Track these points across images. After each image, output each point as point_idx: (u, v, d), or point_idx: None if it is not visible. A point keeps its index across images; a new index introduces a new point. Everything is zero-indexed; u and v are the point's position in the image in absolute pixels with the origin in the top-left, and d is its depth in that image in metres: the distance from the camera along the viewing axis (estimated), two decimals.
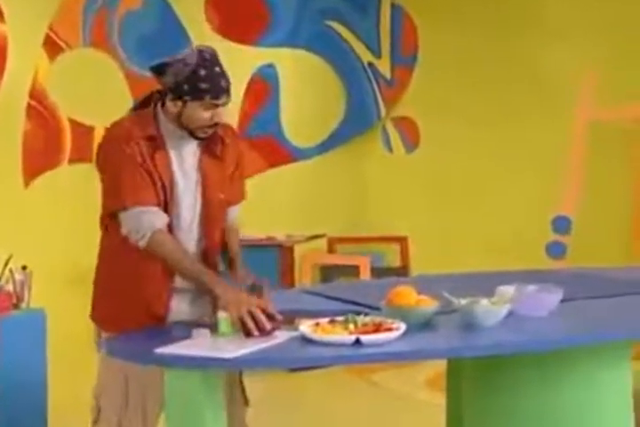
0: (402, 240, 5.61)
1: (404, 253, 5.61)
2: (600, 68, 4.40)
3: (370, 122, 5.73)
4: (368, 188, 5.67)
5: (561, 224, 4.31)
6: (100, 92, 4.51)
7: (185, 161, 2.18)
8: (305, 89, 5.42)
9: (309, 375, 3.86)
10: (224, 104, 2.13)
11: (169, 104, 2.13)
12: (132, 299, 2.17)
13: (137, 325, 2.14)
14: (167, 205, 2.15)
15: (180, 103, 2.11)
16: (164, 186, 2.13)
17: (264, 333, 1.98)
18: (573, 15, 5.05)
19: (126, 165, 2.10)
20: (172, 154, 2.17)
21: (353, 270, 5.08)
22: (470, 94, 5.39)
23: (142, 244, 2.12)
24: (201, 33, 5.00)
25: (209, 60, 2.11)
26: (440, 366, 2.62)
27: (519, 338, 2.05)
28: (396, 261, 5.61)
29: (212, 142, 2.21)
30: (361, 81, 5.64)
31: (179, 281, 2.19)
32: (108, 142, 2.17)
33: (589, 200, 4.50)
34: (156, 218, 2.11)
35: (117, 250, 2.19)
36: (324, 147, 5.57)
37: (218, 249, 2.28)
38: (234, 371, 2.25)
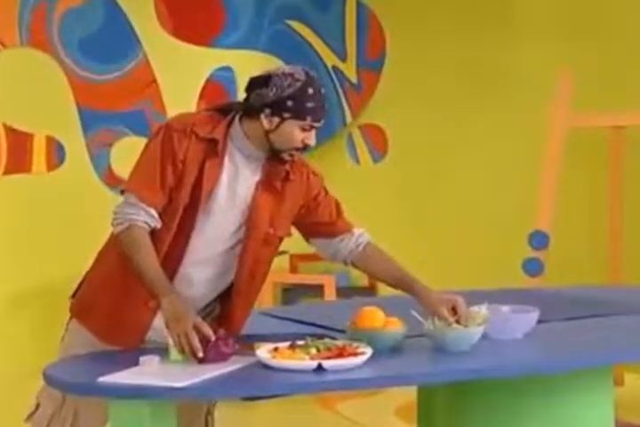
0: None
1: None
2: (576, 71, 4.49)
3: (334, 130, 5.77)
4: None
5: (538, 239, 4.37)
6: (39, 95, 4.48)
7: (238, 181, 2.18)
8: None
9: (267, 405, 3.85)
10: (318, 128, 2.18)
11: (263, 119, 2.14)
12: (117, 302, 2.19)
13: (113, 326, 2.17)
14: (192, 210, 2.13)
15: (277, 120, 2.13)
16: (196, 190, 2.13)
17: (219, 359, 1.98)
18: (546, 14, 5.15)
19: (159, 153, 2.12)
20: (227, 167, 2.17)
21: (317, 290, 5.09)
22: (441, 100, 5.46)
23: (116, 230, 2.13)
24: (150, 32, 5.00)
25: (316, 80, 2.17)
26: (410, 393, 2.64)
27: (493, 363, 2.08)
28: (362, 281, 5.64)
29: (274, 174, 2.21)
30: (325, 85, 5.68)
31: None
32: (164, 127, 2.17)
33: (567, 214, 4.57)
34: (145, 215, 2.12)
35: (115, 254, 2.20)
36: None
37: (245, 286, 2.26)
38: (197, 406, 2.25)
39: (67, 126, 4.71)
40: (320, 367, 1.92)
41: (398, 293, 2.37)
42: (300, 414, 4.12)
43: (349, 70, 5.74)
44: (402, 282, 2.32)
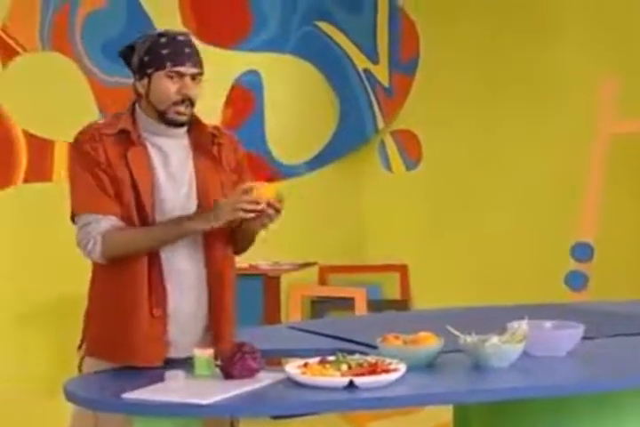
0: (402, 269, 5.63)
1: (405, 284, 5.62)
2: (620, 75, 4.46)
3: (366, 136, 5.77)
4: (364, 210, 5.69)
5: (581, 251, 4.34)
6: (60, 101, 4.53)
7: (170, 161, 2.22)
8: (292, 99, 5.47)
9: (296, 423, 3.85)
10: (193, 76, 2.20)
11: (138, 87, 2.22)
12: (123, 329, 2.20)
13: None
14: (144, 206, 2.18)
15: (145, 81, 2.21)
16: (135, 185, 2.17)
17: (246, 374, 1.99)
18: (587, 17, 5.12)
19: (83, 169, 2.18)
20: (152, 151, 2.22)
21: (347, 304, 5.09)
22: (478, 105, 5.44)
23: (93, 251, 2.16)
24: None
25: (173, 31, 2.24)
26: (446, 412, 2.63)
27: (534, 382, 2.06)
28: (395, 293, 5.63)
29: (203, 140, 2.26)
30: (355, 90, 5.69)
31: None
32: (72, 145, 2.25)
33: (612, 224, 4.53)
34: (103, 223, 2.17)
35: (106, 274, 2.23)
36: (314, 164, 5.61)
37: (221, 258, 2.28)
38: (221, 420, 2.26)
39: None
40: (351, 384, 1.92)
41: (433, 307, 2.36)
42: None
43: (381, 73, 5.74)
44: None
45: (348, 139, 5.70)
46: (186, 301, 2.22)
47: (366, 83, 5.71)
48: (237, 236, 2.31)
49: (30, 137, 4.47)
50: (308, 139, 5.56)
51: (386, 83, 5.75)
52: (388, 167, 5.81)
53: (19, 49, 4.43)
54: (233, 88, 5.25)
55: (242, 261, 4.87)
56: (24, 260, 4.24)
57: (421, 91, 5.67)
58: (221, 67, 5.18)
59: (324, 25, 5.59)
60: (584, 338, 2.26)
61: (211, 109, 5.07)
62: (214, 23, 5.18)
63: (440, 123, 5.58)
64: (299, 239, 5.37)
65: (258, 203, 2.13)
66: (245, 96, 5.29)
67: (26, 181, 4.42)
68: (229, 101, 5.22)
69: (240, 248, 2.37)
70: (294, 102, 5.46)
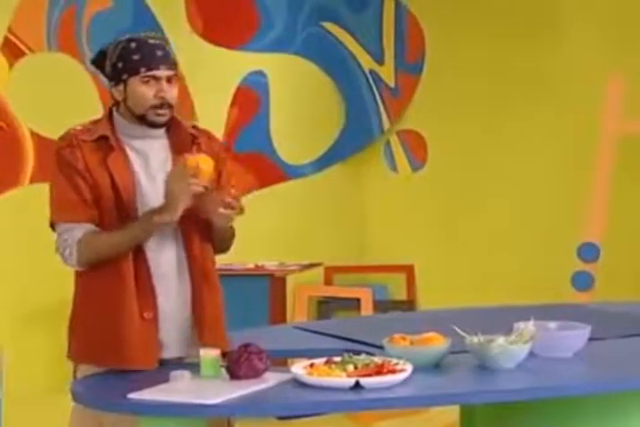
0: (408, 270, 5.63)
1: (411, 285, 5.62)
2: (627, 75, 4.45)
3: (371, 136, 5.77)
4: (370, 210, 5.70)
5: (587, 252, 4.34)
6: (67, 101, 4.54)
7: (150, 162, 2.24)
8: (298, 99, 5.47)
9: (302, 424, 3.85)
10: (168, 78, 2.21)
11: (114, 93, 2.23)
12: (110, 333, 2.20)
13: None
14: (126, 209, 2.19)
15: (121, 87, 2.21)
16: (117, 189, 2.18)
17: (252, 374, 1.99)
18: (593, 16, 5.11)
19: (61, 176, 2.19)
20: (132, 155, 2.23)
21: (353, 304, 5.09)
22: (484, 105, 5.44)
23: (71, 258, 2.18)
24: (181, 35, 5.05)
25: (143, 35, 2.24)
26: (452, 413, 2.63)
27: (540, 383, 2.06)
28: (401, 294, 5.63)
29: (182, 140, 2.27)
30: (361, 90, 5.70)
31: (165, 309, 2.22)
32: (54, 154, 2.26)
33: (619, 224, 4.53)
34: (78, 231, 2.18)
35: (92, 280, 2.23)
36: (319, 164, 5.61)
37: (203, 252, 2.27)
38: (219, 419, 2.26)
39: None
40: (358, 385, 1.92)
41: (439, 307, 2.36)
42: None
43: (387, 74, 5.74)
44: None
45: (354, 139, 5.70)
46: (173, 301, 2.23)
47: (372, 83, 5.71)
48: (214, 236, 2.31)
49: (37, 137, 4.48)
50: (314, 139, 5.56)
51: (391, 83, 5.75)
52: (394, 168, 5.81)
53: (25, 49, 4.44)
54: (239, 88, 5.25)
55: (247, 261, 4.91)
56: (30, 260, 4.25)
57: (427, 91, 5.67)
58: (227, 67, 5.19)
59: (329, 25, 5.59)
60: (590, 339, 2.26)
61: (217, 109, 5.09)
62: (220, 23, 5.19)
63: (446, 123, 5.57)
64: (304, 240, 5.38)
65: (200, 173, 2.11)
66: (251, 96, 5.29)
67: (32, 181, 4.43)
68: (235, 101, 5.23)
69: (219, 249, 2.37)
70: (300, 103, 5.47)
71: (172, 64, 2.23)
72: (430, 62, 5.67)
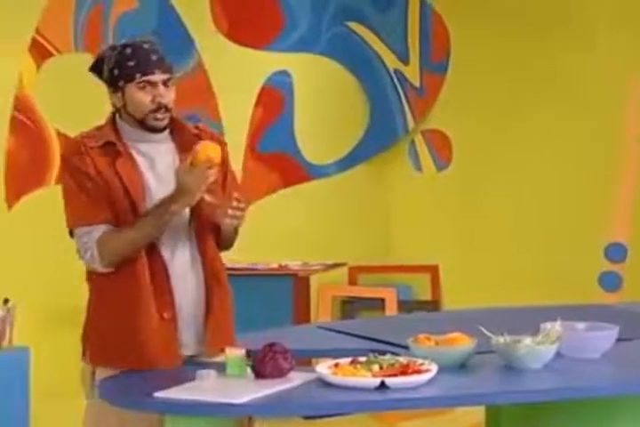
0: (432, 270, 5.61)
1: (435, 285, 5.60)
2: None
3: (396, 136, 5.76)
4: (394, 210, 5.68)
5: (615, 252, 4.31)
6: (93, 102, 4.55)
7: (156, 164, 2.26)
8: (323, 99, 5.47)
9: (327, 424, 3.85)
10: (164, 82, 2.23)
11: (114, 100, 2.25)
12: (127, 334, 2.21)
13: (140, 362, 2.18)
14: (138, 209, 2.21)
15: (119, 94, 2.23)
16: (127, 192, 2.20)
17: (277, 374, 2.00)
18: (617, 15, 5.07)
19: (72, 182, 2.22)
20: (139, 158, 2.26)
21: (377, 304, 5.08)
22: (509, 104, 5.41)
23: (96, 264, 2.19)
24: (206, 35, 5.07)
25: (137, 40, 2.25)
26: (477, 413, 2.61)
27: (567, 384, 2.05)
28: (425, 294, 5.61)
29: (186, 141, 2.29)
30: (386, 90, 5.69)
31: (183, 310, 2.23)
32: (61, 161, 2.30)
33: None
34: (96, 233, 2.20)
35: (106, 283, 2.25)
36: (344, 164, 5.61)
37: (213, 252, 2.30)
38: (241, 417, 2.27)
39: None
40: (383, 385, 1.92)
41: (463, 307, 2.36)
42: None
43: (412, 73, 5.73)
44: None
45: (378, 139, 5.69)
46: (189, 300, 2.24)
47: (397, 83, 5.70)
48: (221, 236, 2.33)
49: (63, 138, 4.51)
50: (338, 139, 5.56)
51: (416, 82, 5.74)
52: (419, 167, 5.79)
53: (52, 50, 4.48)
54: (263, 88, 5.26)
55: (271, 261, 4.92)
56: (55, 260, 4.29)
57: (452, 90, 5.65)
58: (252, 67, 5.20)
59: (354, 25, 5.58)
60: (618, 340, 2.24)
61: (241, 109, 5.10)
62: (245, 23, 5.20)
63: (471, 123, 5.55)
64: (328, 240, 5.37)
65: (210, 161, 2.13)
66: (275, 96, 5.30)
67: (58, 181, 4.46)
68: (259, 101, 5.24)
69: (223, 247, 2.38)
70: (324, 103, 5.47)
71: (168, 68, 2.25)
72: (455, 62, 5.65)
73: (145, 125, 2.23)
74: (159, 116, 2.22)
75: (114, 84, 2.23)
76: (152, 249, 2.21)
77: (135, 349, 2.18)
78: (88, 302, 2.30)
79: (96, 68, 2.28)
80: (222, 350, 2.11)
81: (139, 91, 2.20)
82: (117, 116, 2.28)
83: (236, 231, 2.36)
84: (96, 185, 2.19)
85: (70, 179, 2.22)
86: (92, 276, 2.27)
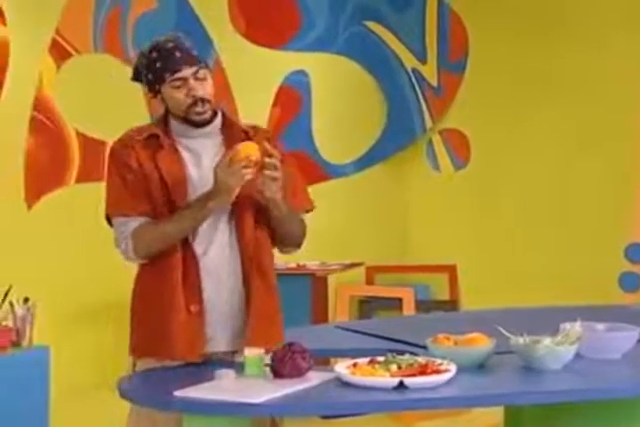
0: (450, 270, 5.60)
1: (453, 285, 5.59)
2: None
3: (414, 135, 5.75)
4: (412, 210, 5.67)
5: (635, 252, 4.28)
6: (112, 102, 4.59)
7: (202, 160, 2.28)
8: (340, 98, 5.47)
9: (345, 423, 3.85)
10: (194, 75, 2.25)
11: (159, 103, 2.31)
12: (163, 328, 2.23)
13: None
14: (175, 202, 2.23)
15: (159, 96, 2.29)
16: (165, 184, 2.23)
17: (295, 374, 2.00)
18: (632, 20, 5.04)
19: (115, 174, 2.27)
20: (185, 153, 2.29)
21: (395, 304, 5.07)
22: (527, 104, 5.39)
23: (130, 254, 2.22)
24: (224, 35, 5.09)
25: (161, 40, 2.28)
26: (496, 414, 2.61)
27: (587, 385, 2.03)
28: (443, 294, 5.59)
29: (234, 138, 2.31)
30: (404, 89, 5.68)
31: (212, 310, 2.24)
32: (109, 153, 2.34)
33: None
34: (132, 224, 2.23)
35: (145, 274, 2.29)
36: (361, 163, 5.60)
37: (256, 248, 2.28)
38: (262, 417, 2.27)
39: None
40: (401, 385, 1.91)
41: (482, 307, 2.35)
42: None
43: (430, 73, 5.72)
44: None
45: (396, 138, 5.69)
46: (222, 294, 2.25)
47: (414, 82, 5.69)
48: (275, 229, 2.32)
49: (83, 138, 4.54)
50: (356, 138, 5.56)
51: (434, 82, 5.72)
52: (437, 167, 5.78)
53: (72, 51, 4.50)
54: (281, 87, 5.27)
55: (290, 260, 4.92)
56: (74, 260, 4.31)
57: (470, 90, 5.63)
58: (269, 66, 5.21)
59: (372, 24, 5.58)
60: (639, 341, 2.22)
61: (259, 109, 5.11)
62: (263, 23, 5.21)
63: (489, 122, 5.53)
64: (346, 239, 5.37)
65: (249, 160, 2.14)
66: (293, 96, 5.31)
67: (78, 181, 4.48)
68: (277, 101, 5.25)
69: (287, 242, 2.38)
70: (342, 102, 5.47)
71: (194, 60, 2.27)
72: (473, 61, 5.64)
73: (189, 121, 2.27)
74: (198, 109, 2.25)
75: (152, 88, 2.28)
76: (185, 243, 2.23)
77: (163, 340, 2.21)
78: (132, 290, 2.33)
79: (138, 78, 2.34)
80: (265, 348, 2.09)
81: (173, 90, 2.24)
82: (169, 113, 2.32)
83: (300, 225, 2.37)
84: (136, 177, 2.24)
85: (114, 169, 2.27)
86: (139, 266, 2.30)
